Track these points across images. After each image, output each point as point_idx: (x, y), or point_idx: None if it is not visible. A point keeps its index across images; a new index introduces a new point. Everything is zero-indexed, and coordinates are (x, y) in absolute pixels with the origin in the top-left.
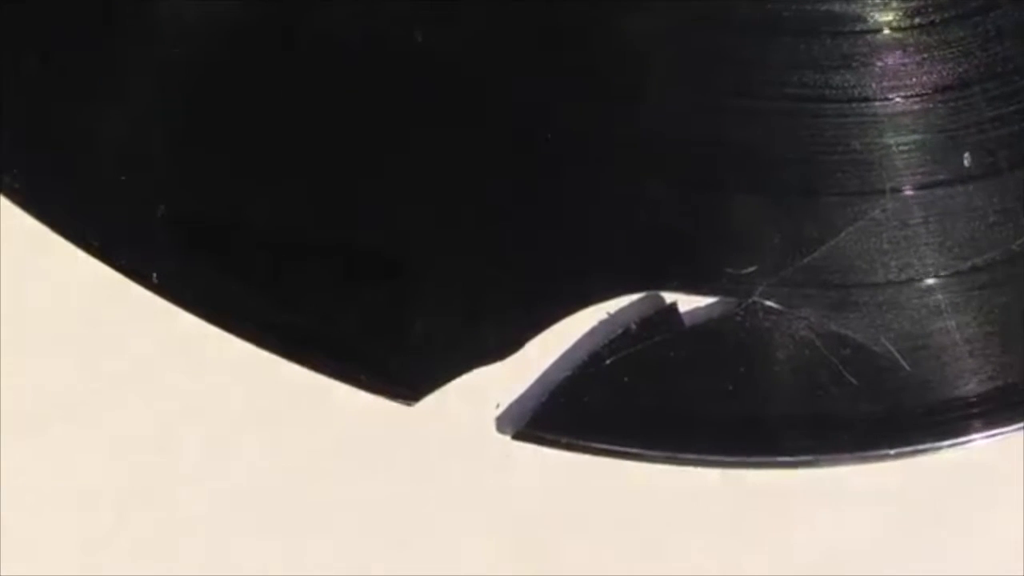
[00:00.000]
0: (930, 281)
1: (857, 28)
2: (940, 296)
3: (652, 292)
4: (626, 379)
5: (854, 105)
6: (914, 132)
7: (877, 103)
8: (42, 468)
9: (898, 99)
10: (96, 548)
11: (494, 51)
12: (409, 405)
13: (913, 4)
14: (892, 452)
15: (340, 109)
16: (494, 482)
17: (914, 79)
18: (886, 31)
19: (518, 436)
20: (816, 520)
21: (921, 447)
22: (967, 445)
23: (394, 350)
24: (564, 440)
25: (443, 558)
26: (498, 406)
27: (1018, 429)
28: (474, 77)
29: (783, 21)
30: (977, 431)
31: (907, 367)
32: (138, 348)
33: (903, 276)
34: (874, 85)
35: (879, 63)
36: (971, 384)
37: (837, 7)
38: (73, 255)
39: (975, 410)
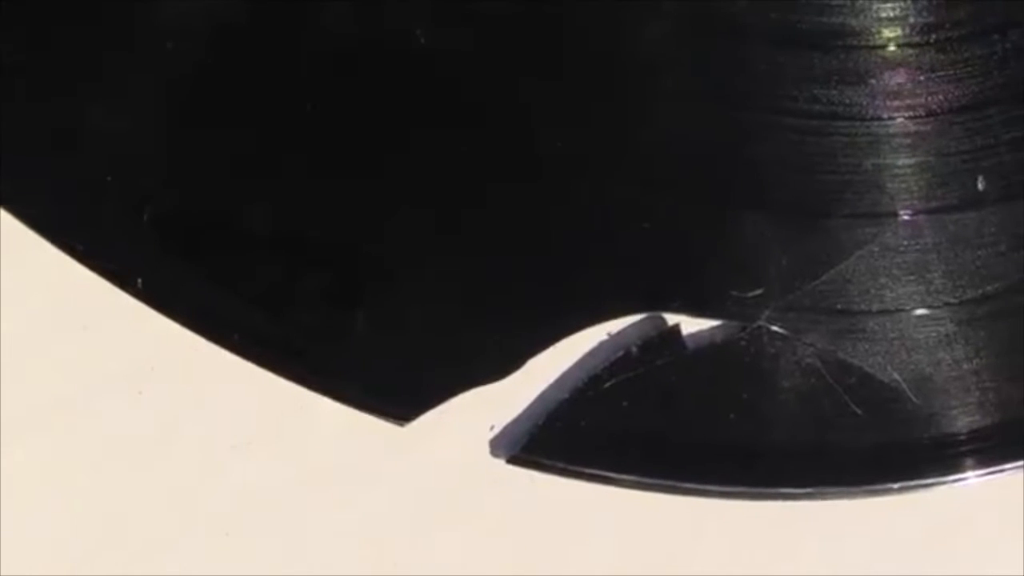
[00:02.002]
0: (940, 310)
1: (871, 43)
2: (950, 326)
3: (654, 313)
4: (625, 403)
5: (866, 123)
6: (927, 153)
7: (890, 121)
8: (41, 469)
9: (911, 118)
10: (94, 549)
11: (498, 58)
12: (401, 425)
13: (929, 20)
14: (896, 486)
15: (338, 110)
16: (487, 507)
17: (929, 98)
18: (901, 47)
19: (513, 460)
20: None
21: (926, 482)
22: (972, 481)
23: (387, 366)
24: (560, 466)
25: None
26: (492, 428)
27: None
28: (476, 85)
29: (796, 33)
30: (984, 467)
31: (914, 399)
32: (133, 351)
33: (912, 303)
34: (887, 103)
35: (892, 80)
36: (978, 418)
37: (852, 20)
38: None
39: (982, 445)
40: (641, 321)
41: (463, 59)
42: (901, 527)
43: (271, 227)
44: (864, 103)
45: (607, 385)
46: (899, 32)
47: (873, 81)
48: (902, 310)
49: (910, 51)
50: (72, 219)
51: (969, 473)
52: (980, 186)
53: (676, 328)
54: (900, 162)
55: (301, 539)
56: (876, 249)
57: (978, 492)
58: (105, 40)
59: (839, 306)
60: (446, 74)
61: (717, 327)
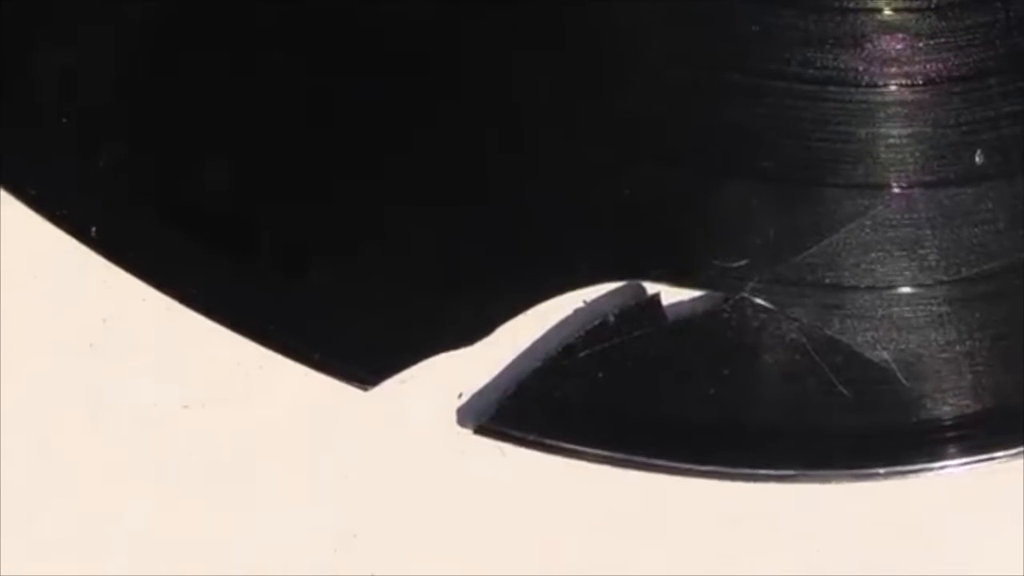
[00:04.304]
0: (932, 288)
1: (868, 5)
2: (943, 305)
3: (633, 281)
4: (600, 375)
5: (861, 90)
6: (924, 124)
7: (885, 89)
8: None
9: (908, 86)
10: (34, 510)
11: (474, 19)
12: (364, 390)
13: None
14: (882, 471)
15: (305, 69)
16: (452, 480)
17: (927, 66)
18: (899, 11)
19: (480, 431)
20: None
21: (913, 467)
22: (961, 468)
23: (351, 327)
24: (530, 438)
25: (389, 555)
26: (460, 396)
27: (1017, 455)
28: (450, 48)
29: None
30: (973, 454)
31: (903, 380)
32: (84, 302)
33: (904, 280)
34: (883, 69)
35: (890, 46)
36: (970, 403)
37: None
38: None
39: (973, 431)
40: (619, 289)
41: (438, 20)
42: (885, 513)
43: (232, 179)
44: (859, 69)
45: (582, 355)
46: None
47: (869, 46)
48: (893, 287)
49: (909, 16)
50: (24, 165)
51: (958, 460)
52: (978, 160)
53: (656, 297)
54: (895, 132)
55: (254, 506)
56: (868, 222)
57: (966, 480)
58: None
59: (827, 280)
60: (420, 34)
61: (699, 298)
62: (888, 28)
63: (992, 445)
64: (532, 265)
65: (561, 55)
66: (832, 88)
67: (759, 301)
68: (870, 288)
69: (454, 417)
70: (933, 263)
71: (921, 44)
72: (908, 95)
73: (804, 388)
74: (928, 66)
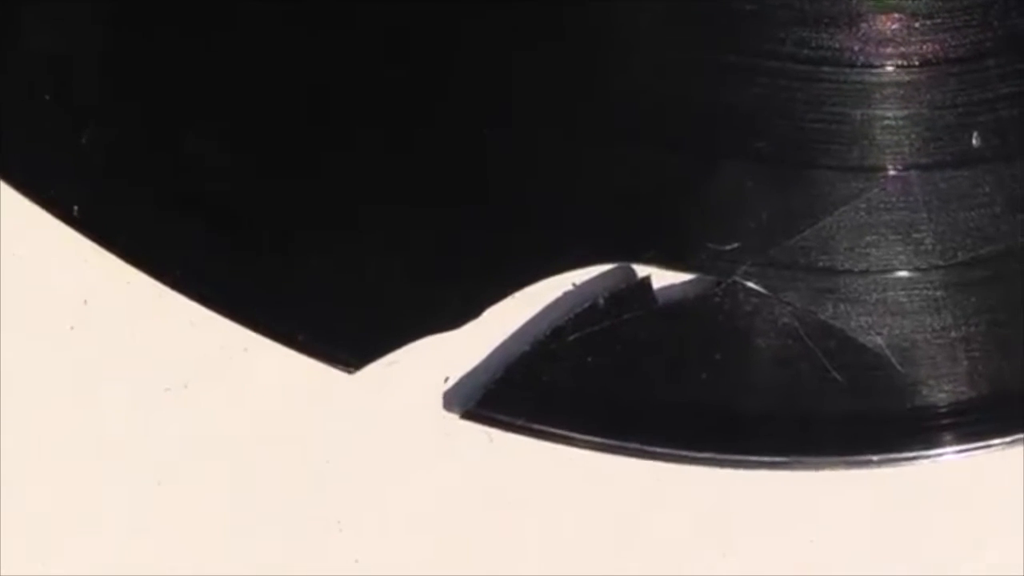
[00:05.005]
0: (928, 272)
1: None
2: (938, 290)
3: (624, 264)
4: (590, 359)
5: (856, 70)
6: (920, 105)
7: (881, 70)
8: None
9: (904, 67)
10: (15, 496)
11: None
12: (349, 373)
13: None
14: (875, 459)
15: (290, 44)
16: (439, 465)
17: (924, 46)
18: None
19: (467, 415)
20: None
21: (907, 455)
22: (956, 456)
23: (337, 308)
24: (518, 423)
25: (373, 542)
26: (447, 380)
27: (1013, 443)
28: (437, 30)
29: None
30: (968, 442)
31: (898, 366)
32: (65, 282)
33: (899, 264)
34: (879, 50)
35: (886, 25)
36: (965, 390)
37: None
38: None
39: (968, 418)
40: (609, 272)
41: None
42: (879, 501)
43: (217, 159)
44: (855, 49)
45: (570, 339)
46: None
47: (865, 26)
48: (888, 271)
49: None
50: (6, 144)
51: (953, 448)
52: (975, 142)
53: (646, 280)
54: (891, 113)
55: (236, 492)
56: (863, 205)
57: (961, 468)
58: None
59: (821, 264)
60: (404, 16)
61: (690, 281)
62: (884, 8)
63: (988, 432)
64: (520, 247)
65: (554, 38)
66: (827, 68)
67: (751, 285)
68: (864, 272)
69: (440, 402)
70: (929, 247)
71: (917, 24)
72: (904, 76)
73: (797, 373)
74: (925, 47)
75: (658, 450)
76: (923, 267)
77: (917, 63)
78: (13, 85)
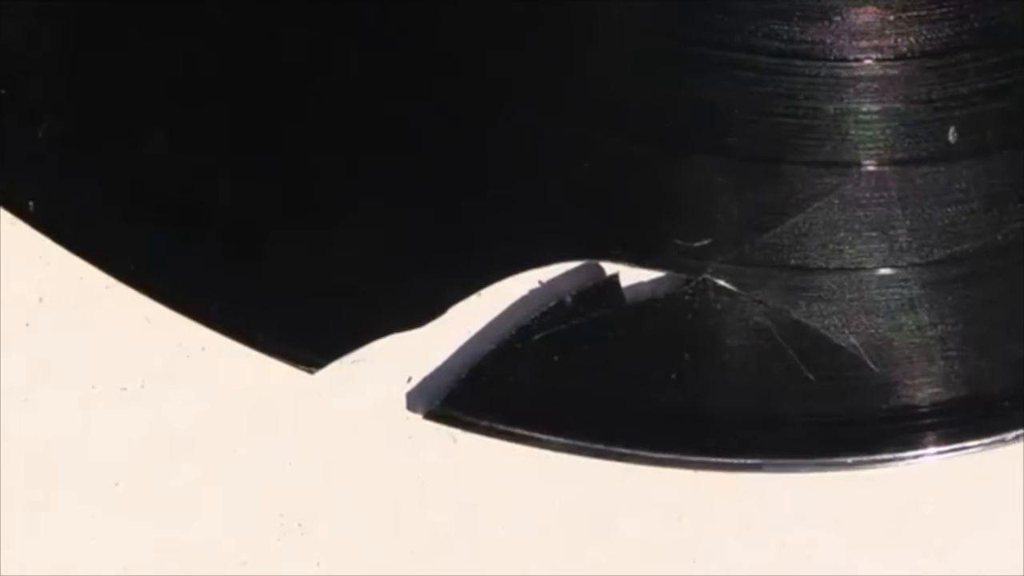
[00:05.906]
0: (904, 270)
1: None
2: (914, 288)
3: (591, 261)
4: (556, 358)
5: (829, 64)
6: (895, 100)
7: (855, 63)
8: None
9: (879, 60)
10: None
11: None
12: (310, 373)
13: None
14: (850, 461)
15: (256, 35)
16: (402, 467)
17: (899, 39)
18: None
19: (431, 416)
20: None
21: (882, 457)
22: (933, 457)
23: (297, 307)
24: (483, 423)
25: (335, 544)
26: (410, 380)
27: (989, 445)
28: (406, 19)
29: None
30: (945, 443)
31: (872, 366)
32: (19, 280)
33: (874, 262)
34: (853, 43)
35: (860, 18)
36: (942, 390)
37: None
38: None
39: (944, 419)
40: (576, 269)
41: None
42: (853, 504)
43: (176, 154)
44: (828, 42)
45: (537, 338)
46: None
47: (838, 18)
48: (863, 269)
49: None
50: None
51: (929, 449)
52: (951, 138)
53: (614, 278)
54: (865, 108)
55: (195, 493)
56: (836, 201)
57: (937, 470)
58: None
59: (793, 261)
60: (373, 9)
61: (659, 279)
62: (858, 0)
63: (965, 434)
64: (485, 243)
65: (519, 34)
66: (798, 62)
67: (722, 283)
68: (838, 270)
69: (403, 402)
70: (904, 244)
71: (892, 17)
72: (879, 70)
73: (769, 373)
74: (900, 40)
75: (626, 451)
76: (899, 265)
77: (892, 57)
78: None
